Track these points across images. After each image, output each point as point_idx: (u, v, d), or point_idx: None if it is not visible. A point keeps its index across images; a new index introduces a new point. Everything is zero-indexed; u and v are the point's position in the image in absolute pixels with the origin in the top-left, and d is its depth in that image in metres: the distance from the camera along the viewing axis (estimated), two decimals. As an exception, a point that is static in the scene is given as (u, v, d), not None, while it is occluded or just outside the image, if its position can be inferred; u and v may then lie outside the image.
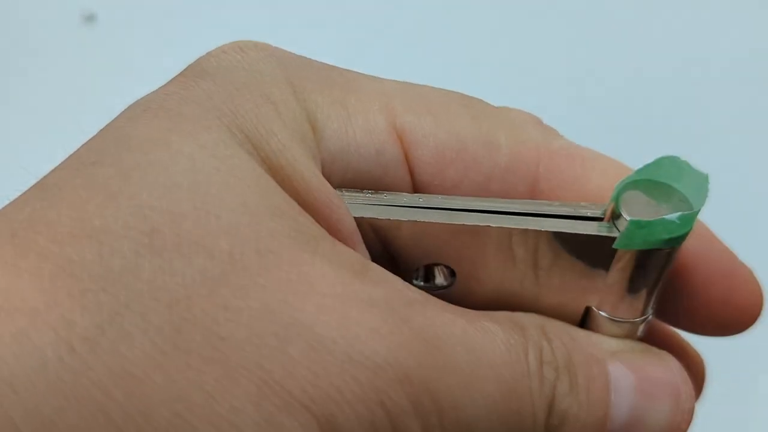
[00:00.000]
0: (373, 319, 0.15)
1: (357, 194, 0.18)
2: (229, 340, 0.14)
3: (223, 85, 0.17)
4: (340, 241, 0.17)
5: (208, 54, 0.18)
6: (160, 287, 0.14)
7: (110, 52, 0.53)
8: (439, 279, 0.19)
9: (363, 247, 0.18)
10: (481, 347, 0.17)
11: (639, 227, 0.17)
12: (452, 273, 0.19)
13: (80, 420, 0.13)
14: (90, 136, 0.17)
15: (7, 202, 0.16)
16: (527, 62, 0.52)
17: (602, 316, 0.19)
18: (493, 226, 0.18)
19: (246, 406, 0.14)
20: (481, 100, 0.20)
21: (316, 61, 0.19)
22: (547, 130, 0.20)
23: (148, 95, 0.17)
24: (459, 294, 0.19)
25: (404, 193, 0.19)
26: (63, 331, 0.13)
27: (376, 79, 0.19)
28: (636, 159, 0.19)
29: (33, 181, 0.16)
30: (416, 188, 0.19)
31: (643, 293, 0.18)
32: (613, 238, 0.17)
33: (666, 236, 0.17)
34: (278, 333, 0.14)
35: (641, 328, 0.19)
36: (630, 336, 0.19)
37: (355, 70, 0.20)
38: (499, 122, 0.19)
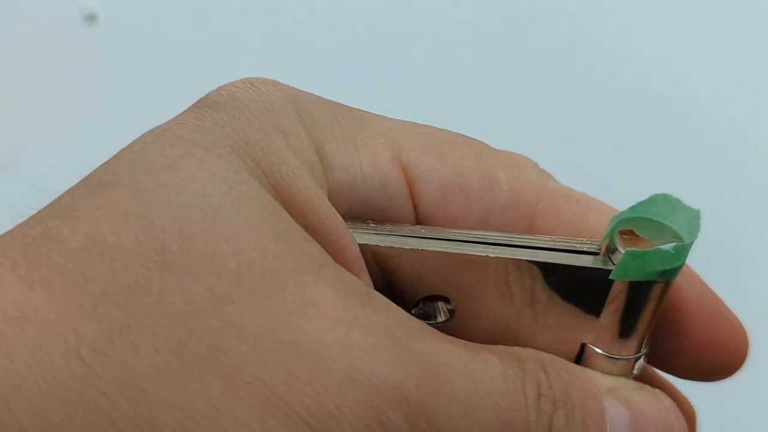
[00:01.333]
0: (374, 343, 0.16)
1: (361, 224, 0.19)
2: (233, 355, 0.14)
3: (235, 115, 0.18)
4: (345, 267, 0.17)
5: (219, 88, 0.19)
6: (169, 303, 0.14)
7: (110, 52, 0.53)
8: (438, 315, 0.19)
9: (367, 275, 0.18)
10: (480, 377, 0.17)
11: (635, 257, 0.17)
12: (450, 309, 0.19)
13: (86, 427, 0.13)
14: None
15: (11, 219, 0.16)
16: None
17: (598, 352, 0.19)
18: (492, 256, 0.18)
19: (249, 419, 0.14)
20: (482, 142, 0.21)
21: (324, 98, 0.20)
22: (543, 173, 0.21)
23: (161, 124, 0.18)
24: (457, 329, 0.19)
25: (407, 225, 0.19)
26: (73, 342, 0.14)
27: (383, 117, 0.20)
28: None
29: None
30: (419, 221, 0.20)
31: (638, 330, 0.19)
32: (609, 271, 0.18)
33: (661, 267, 0.17)
34: (281, 351, 0.15)
35: (636, 365, 0.20)
36: (625, 374, 0.20)
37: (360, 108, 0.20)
38: (500, 161, 0.20)
